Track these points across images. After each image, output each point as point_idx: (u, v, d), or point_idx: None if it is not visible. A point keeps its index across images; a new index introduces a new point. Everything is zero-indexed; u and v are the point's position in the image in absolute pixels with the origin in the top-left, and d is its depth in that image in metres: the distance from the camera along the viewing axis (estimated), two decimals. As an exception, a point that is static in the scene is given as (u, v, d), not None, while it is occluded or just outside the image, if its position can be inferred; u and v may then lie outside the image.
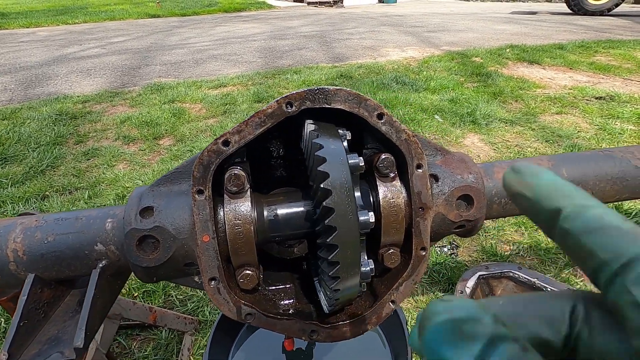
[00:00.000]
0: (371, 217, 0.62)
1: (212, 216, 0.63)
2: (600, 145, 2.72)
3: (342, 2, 16.24)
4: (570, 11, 10.81)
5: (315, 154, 0.59)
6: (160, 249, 0.64)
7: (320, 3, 16.23)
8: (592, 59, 5.15)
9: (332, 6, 15.83)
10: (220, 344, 1.25)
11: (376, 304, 0.70)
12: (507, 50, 5.67)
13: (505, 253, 1.67)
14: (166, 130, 3.12)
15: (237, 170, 0.62)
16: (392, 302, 0.71)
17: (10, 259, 0.62)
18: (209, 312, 1.42)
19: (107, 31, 9.07)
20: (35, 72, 5.13)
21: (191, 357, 1.26)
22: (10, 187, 2.30)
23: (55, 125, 3.18)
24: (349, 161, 0.60)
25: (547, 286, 1.32)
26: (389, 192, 0.66)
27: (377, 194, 0.67)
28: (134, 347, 1.30)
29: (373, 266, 0.65)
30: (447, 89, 3.99)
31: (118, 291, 0.71)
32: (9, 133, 3.00)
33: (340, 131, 0.66)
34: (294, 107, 0.63)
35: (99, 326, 0.63)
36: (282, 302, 0.76)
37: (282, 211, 0.69)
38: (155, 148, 2.85)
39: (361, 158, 0.62)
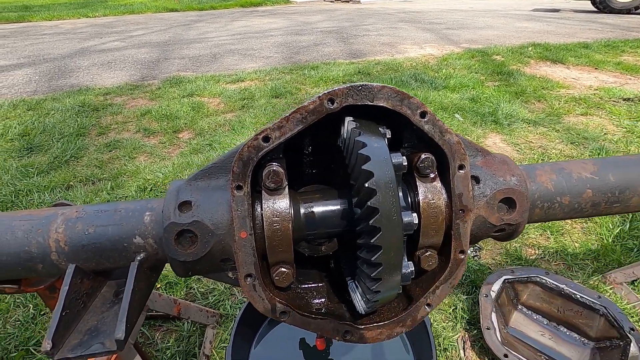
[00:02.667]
0: (415, 218, 0.60)
1: (250, 212, 0.62)
2: (628, 148, 2.63)
3: (358, -2, 16.07)
4: (595, 9, 10.46)
5: (359, 152, 0.57)
6: (198, 243, 0.64)
7: (337, -2, 16.09)
8: (619, 58, 4.97)
9: (348, 2, 15.69)
10: (243, 338, 1.25)
11: (411, 306, 0.69)
12: (530, 48, 5.53)
13: (530, 257, 1.63)
14: (185, 123, 3.14)
15: (276, 167, 0.61)
16: (428, 305, 0.70)
17: (52, 249, 0.62)
18: (230, 306, 1.43)
19: (126, 24, 9.20)
20: (58, 64, 5.24)
21: (213, 350, 1.27)
22: (36, 176, 2.35)
23: (78, 117, 3.25)
24: (393, 160, 0.59)
25: (576, 293, 1.29)
26: (430, 192, 0.65)
27: (417, 194, 0.65)
28: (157, 337, 1.32)
29: (413, 268, 0.64)
30: (468, 87, 3.91)
31: (153, 284, 0.71)
32: (34, 123, 3.07)
33: (380, 129, 0.65)
34: (335, 104, 0.62)
35: (137, 318, 0.63)
36: (314, 301, 0.76)
37: (318, 209, 0.68)
38: (175, 141, 2.88)
39: (404, 157, 0.61)
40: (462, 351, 1.28)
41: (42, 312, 1.40)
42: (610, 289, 1.46)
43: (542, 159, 2.51)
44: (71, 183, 2.29)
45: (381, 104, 0.62)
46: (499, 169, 0.71)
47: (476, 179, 0.69)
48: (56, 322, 0.56)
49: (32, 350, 1.25)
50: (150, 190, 2.19)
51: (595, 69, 4.63)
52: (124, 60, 5.50)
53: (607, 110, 3.32)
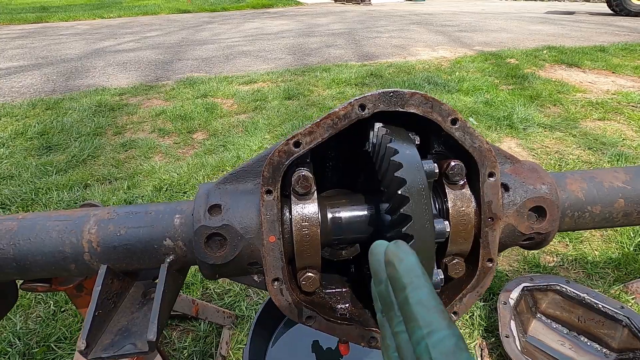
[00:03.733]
0: (447, 226, 0.60)
1: (279, 217, 0.63)
2: (648, 154, 2.57)
3: (369, 0, 16.07)
4: (611, 12, 10.27)
5: (391, 158, 0.57)
6: (227, 247, 0.64)
7: (348, 0, 16.12)
8: (637, 62, 4.88)
9: (359, 4, 15.69)
10: (260, 339, 1.26)
11: (437, 314, 0.68)
12: (544, 51, 5.46)
13: (549, 265, 1.60)
14: (199, 124, 3.17)
15: (305, 172, 0.61)
16: (455, 313, 0.69)
17: (85, 249, 0.64)
18: (246, 307, 1.44)
19: (141, 26, 9.34)
20: (75, 65, 5.34)
21: (230, 351, 1.28)
22: (55, 174, 2.40)
23: (94, 117, 3.30)
24: (424, 167, 0.59)
25: (597, 302, 1.26)
26: (459, 200, 0.64)
27: (446, 201, 0.64)
28: (174, 337, 1.33)
29: (443, 276, 0.63)
30: (482, 90, 3.87)
31: (181, 285, 0.72)
32: (52, 122, 3.13)
33: (410, 135, 0.64)
34: (367, 110, 0.62)
35: (167, 319, 0.64)
36: (338, 306, 0.76)
37: (345, 214, 0.68)
38: (189, 142, 2.91)
39: (435, 164, 0.61)
40: (479, 359, 1.26)
41: (63, 310, 1.42)
42: (632, 299, 1.42)
43: (559, 165, 2.47)
44: (89, 182, 2.33)
45: (412, 111, 0.61)
46: (528, 177, 0.70)
47: (505, 187, 0.69)
48: (90, 321, 0.57)
49: (53, 347, 1.27)
50: (166, 190, 2.22)
51: (613, 72, 4.55)
52: (139, 60, 5.58)
53: (625, 115, 3.26)
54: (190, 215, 0.67)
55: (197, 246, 0.62)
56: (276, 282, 0.65)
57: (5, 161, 2.55)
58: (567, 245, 1.71)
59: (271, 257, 0.63)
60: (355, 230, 0.68)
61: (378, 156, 0.63)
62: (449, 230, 0.60)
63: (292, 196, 0.63)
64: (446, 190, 0.64)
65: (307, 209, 0.62)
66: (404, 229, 0.54)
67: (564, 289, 1.32)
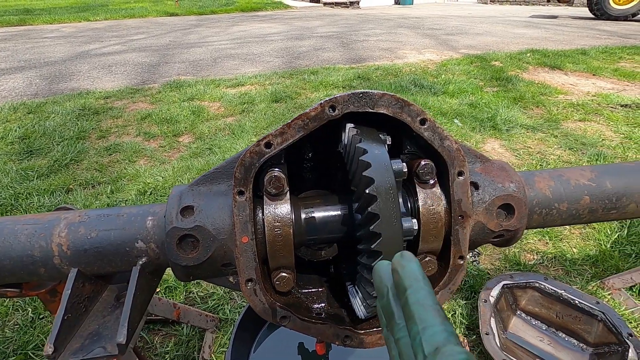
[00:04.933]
0: (414, 224, 0.61)
1: (251, 217, 0.63)
2: (626, 154, 2.64)
3: (358, 3, 16.21)
4: (593, 16, 10.56)
5: (360, 158, 0.58)
6: (199, 248, 0.64)
7: (337, 4, 16.23)
8: (617, 65, 5.02)
9: (348, 7, 15.81)
10: (242, 342, 1.25)
11: (411, 311, 0.69)
12: (528, 54, 5.57)
13: (529, 262, 1.63)
14: (185, 127, 3.15)
15: (277, 172, 0.62)
16: (428, 310, 0.70)
17: (55, 253, 0.63)
18: (229, 310, 1.43)
19: (127, 29, 9.24)
20: (58, 68, 5.26)
21: (212, 355, 1.27)
22: (36, 179, 2.35)
23: (78, 120, 3.25)
24: (393, 167, 0.60)
25: (574, 298, 1.29)
26: (429, 199, 0.65)
27: (417, 200, 0.66)
28: (156, 341, 1.32)
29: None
30: (467, 93, 3.93)
31: (155, 288, 0.72)
32: (34, 126, 3.08)
33: (380, 135, 0.65)
34: (337, 111, 0.63)
35: (139, 322, 0.64)
36: (314, 306, 0.76)
37: (319, 214, 0.69)
38: (175, 145, 2.89)
39: (404, 164, 0.62)
40: (461, 356, 1.28)
41: (41, 316, 1.39)
42: (609, 294, 1.46)
43: (540, 165, 2.52)
44: (71, 186, 2.29)
45: (382, 111, 0.63)
46: (497, 176, 0.72)
47: (475, 185, 0.70)
48: (58, 326, 0.57)
49: (31, 354, 1.25)
50: (150, 194, 2.19)
51: (593, 75, 4.67)
52: (125, 64, 5.52)
53: (605, 117, 3.35)
54: (163, 217, 0.67)
55: (169, 248, 0.62)
56: (250, 283, 0.65)
57: (-15, 166, 2.50)
58: (546, 243, 1.75)
59: (244, 257, 0.63)
60: (329, 230, 0.69)
61: (349, 156, 0.64)
62: (416, 228, 0.61)
63: (264, 197, 0.63)
64: (417, 190, 0.65)
65: (279, 209, 0.63)
66: (371, 227, 0.55)
67: (542, 286, 1.35)
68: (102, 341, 0.58)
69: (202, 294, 1.50)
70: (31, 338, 1.30)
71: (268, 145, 0.62)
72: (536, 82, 4.36)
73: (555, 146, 2.80)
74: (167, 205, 0.65)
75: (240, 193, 0.63)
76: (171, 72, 5.02)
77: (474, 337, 1.33)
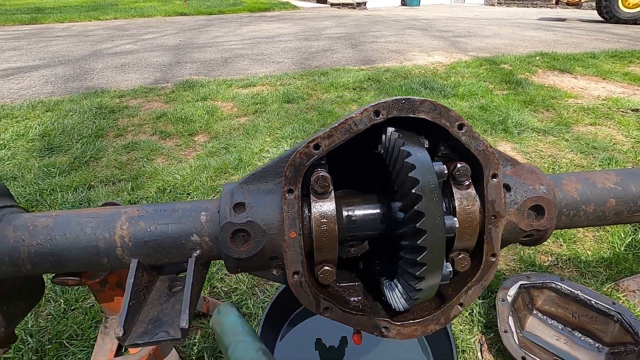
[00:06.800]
0: (456, 222, 0.65)
1: (299, 214, 0.67)
2: (638, 159, 2.66)
3: (365, 4, 16.24)
4: (602, 19, 10.51)
5: (405, 160, 0.63)
6: (251, 242, 0.69)
7: (344, 5, 16.26)
8: (627, 69, 5.02)
9: (355, 8, 15.85)
10: (268, 337, 1.30)
11: (444, 305, 0.74)
12: (537, 57, 5.58)
13: (544, 264, 1.67)
14: (200, 127, 3.21)
15: (323, 172, 0.67)
16: (461, 304, 0.75)
17: (117, 244, 0.68)
18: (253, 305, 1.47)
19: (137, 28, 9.34)
20: (72, 66, 5.34)
21: (238, 347, 1.32)
22: (58, 176, 2.42)
23: (95, 119, 3.32)
24: (435, 168, 0.64)
25: (591, 299, 1.32)
26: (465, 199, 0.70)
27: (453, 200, 0.70)
28: (183, 334, 1.36)
29: (451, 269, 0.68)
30: (477, 95, 3.96)
31: (204, 279, 0.76)
32: (53, 124, 3.15)
33: (419, 139, 0.70)
34: (381, 116, 0.67)
35: (195, 309, 0.68)
36: (351, 299, 0.81)
37: (359, 212, 0.73)
38: (191, 144, 2.94)
39: (445, 166, 0.66)
40: (479, 353, 1.31)
41: (73, 308, 1.45)
42: (624, 296, 1.49)
43: (552, 168, 2.55)
44: (92, 183, 2.35)
45: (422, 117, 0.67)
46: (528, 178, 0.76)
47: (507, 187, 0.74)
48: (125, 311, 0.61)
49: (66, 344, 1.30)
50: (170, 191, 2.25)
51: (603, 79, 4.67)
52: (137, 63, 5.59)
53: (615, 121, 3.36)
54: (216, 212, 0.71)
55: (223, 241, 0.67)
56: (296, 275, 0.69)
57: (8, 162, 2.56)
58: (561, 245, 1.78)
59: (292, 251, 0.68)
60: (368, 227, 0.73)
61: (391, 158, 0.68)
62: (457, 226, 0.65)
63: (311, 195, 0.68)
64: (453, 190, 0.70)
65: (325, 206, 0.67)
66: (418, 224, 0.59)
67: (559, 287, 1.38)
68: (164, 326, 0.63)
69: (225, 289, 1.55)
70: (64, 328, 1.36)
71: (317, 147, 0.67)
72: (546, 85, 4.37)
73: (567, 150, 2.82)
74: (221, 201, 0.69)
75: (290, 191, 0.67)
76: (183, 72, 5.08)
77: (492, 335, 1.37)
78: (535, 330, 1.38)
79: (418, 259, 0.60)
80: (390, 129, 0.70)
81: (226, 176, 2.45)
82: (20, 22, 10.15)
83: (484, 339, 1.36)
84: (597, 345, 1.30)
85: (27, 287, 0.76)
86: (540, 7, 17.35)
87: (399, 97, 0.67)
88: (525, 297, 1.42)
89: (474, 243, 0.72)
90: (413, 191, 0.60)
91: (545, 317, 1.41)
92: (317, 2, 17.28)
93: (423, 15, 12.94)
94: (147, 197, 2.19)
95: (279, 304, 1.35)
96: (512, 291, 1.39)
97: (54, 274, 0.75)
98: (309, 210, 0.68)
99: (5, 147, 2.79)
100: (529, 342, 1.33)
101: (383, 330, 0.73)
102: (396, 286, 0.72)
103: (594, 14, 11.37)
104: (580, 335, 1.34)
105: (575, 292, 1.35)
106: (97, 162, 2.64)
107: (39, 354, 1.28)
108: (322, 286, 0.74)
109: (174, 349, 1.01)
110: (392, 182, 0.68)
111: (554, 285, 1.39)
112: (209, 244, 0.70)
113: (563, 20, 11.60)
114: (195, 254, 0.69)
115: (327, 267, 0.71)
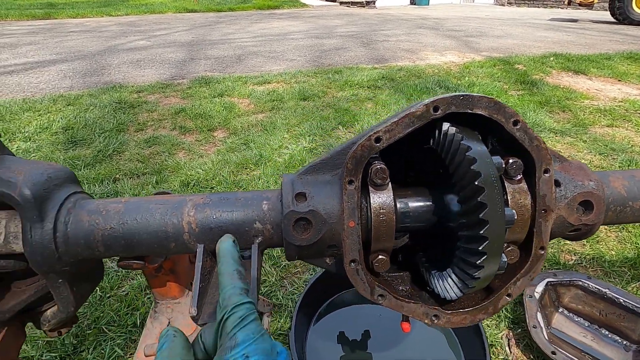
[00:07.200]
0: (514, 213, 0.68)
1: (358, 205, 0.70)
2: (657, 160, 2.66)
3: (374, 3, 16.20)
4: (615, 20, 10.41)
5: (466, 154, 0.65)
6: (312, 230, 0.72)
7: (353, 3, 16.24)
8: (643, 71, 4.98)
9: (364, 6, 15.82)
10: (301, 326, 1.34)
11: (493, 295, 0.76)
12: (552, 58, 5.56)
13: (568, 263, 1.68)
14: (219, 122, 3.25)
15: (382, 165, 0.69)
16: (509, 295, 0.77)
17: (185, 229, 0.71)
18: (282, 296, 1.51)
19: (149, 24, 9.41)
20: (89, 62, 5.41)
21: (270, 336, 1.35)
22: (83, 168, 2.47)
23: (116, 113, 3.37)
24: (494, 162, 0.67)
25: (619, 297, 1.34)
26: (517, 193, 0.72)
27: (506, 194, 0.72)
28: (216, 323, 1.40)
29: (506, 259, 0.71)
30: (492, 95, 3.95)
31: (261, 266, 0.79)
32: (75, 118, 3.20)
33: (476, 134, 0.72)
34: (439, 111, 0.70)
35: (258, 293, 0.71)
36: (400, 288, 0.84)
37: (413, 204, 0.76)
38: (211, 139, 2.98)
39: (502, 160, 0.69)
40: (507, 348, 1.34)
41: (108, 295, 1.49)
42: (650, 295, 1.50)
43: (571, 169, 2.55)
44: (117, 176, 2.40)
45: (480, 112, 0.69)
46: (577, 174, 0.78)
47: (557, 183, 0.77)
48: (197, 292, 0.65)
49: (104, 329, 1.34)
50: (194, 185, 2.29)
51: (619, 80, 4.64)
52: (152, 59, 5.65)
53: (633, 123, 3.35)
54: (278, 201, 0.74)
55: (286, 229, 0.70)
56: (353, 263, 0.72)
57: (34, 155, 2.62)
58: (584, 244, 1.79)
59: (350, 240, 0.71)
60: (420, 219, 0.76)
61: (448, 152, 0.71)
62: (516, 217, 0.67)
63: (369, 186, 0.71)
64: (505, 185, 0.72)
65: (383, 197, 0.70)
66: (481, 215, 0.62)
67: (586, 284, 1.40)
68: (231, 309, 0.66)
69: (254, 280, 1.58)
70: (102, 314, 1.40)
71: (378, 140, 0.69)
72: (561, 86, 4.36)
73: (585, 151, 2.82)
74: (282, 191, 0.72)
75: (350, 182, 0.70)
76: (198, 69, 5.13)
77: (519, 330, 1.39)
78: (561, 327, 1.40)
79: (480, 248, 0.62)
80: (446, 124, 0.72)
81: (247, 171, 2.49)
82: (33, 17, 10.26)
83: (511, 334, 1.38)
84: (624, 342, 1.32)
85: (92, 269, 0.79)
86: (552, 7, 17.20)
87: (458, 93, 0.69)
88: (552, 295, 1.44)
89: (524, 236, 0.74)
90: (476, 183, 0.62)
91: (571, 315, 1.43)
92: (326, 0, 17.26)
93: (433, 15, 12.88)
94: (172, 190, 2.23)
95: (311, 295, 1.39)
96: (540, 288, 1.41)
97: (119, 258, 0.78)
98: (366, 201, 0.71)
99: (30, 139, 2.85)
100: (557, 338, 1.35)
101: (433, 318, 0.76)
102: (449, 276, 0.74)
103: (606, 15, 11.27)
104: (607, 332, 1.36)
105: (603, 290, 1.37)
106: (120, 156, 2.68)
107: (79, 338, 1.32)
108: (374, 274, 0.77)
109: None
110: (445, 176, 0.70)
111: (581, 282, 1.41)
112: (270, 232, 0.73)
113: (575, 21, 11.50)
114: (257, 241, 0.72)
115: (382, 256, 0.74)
